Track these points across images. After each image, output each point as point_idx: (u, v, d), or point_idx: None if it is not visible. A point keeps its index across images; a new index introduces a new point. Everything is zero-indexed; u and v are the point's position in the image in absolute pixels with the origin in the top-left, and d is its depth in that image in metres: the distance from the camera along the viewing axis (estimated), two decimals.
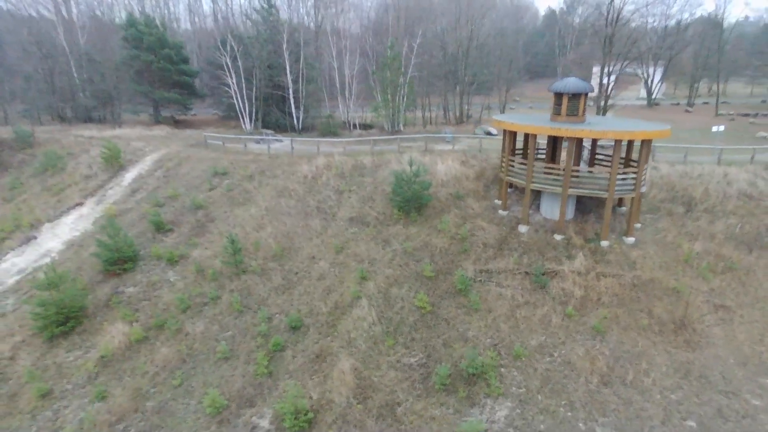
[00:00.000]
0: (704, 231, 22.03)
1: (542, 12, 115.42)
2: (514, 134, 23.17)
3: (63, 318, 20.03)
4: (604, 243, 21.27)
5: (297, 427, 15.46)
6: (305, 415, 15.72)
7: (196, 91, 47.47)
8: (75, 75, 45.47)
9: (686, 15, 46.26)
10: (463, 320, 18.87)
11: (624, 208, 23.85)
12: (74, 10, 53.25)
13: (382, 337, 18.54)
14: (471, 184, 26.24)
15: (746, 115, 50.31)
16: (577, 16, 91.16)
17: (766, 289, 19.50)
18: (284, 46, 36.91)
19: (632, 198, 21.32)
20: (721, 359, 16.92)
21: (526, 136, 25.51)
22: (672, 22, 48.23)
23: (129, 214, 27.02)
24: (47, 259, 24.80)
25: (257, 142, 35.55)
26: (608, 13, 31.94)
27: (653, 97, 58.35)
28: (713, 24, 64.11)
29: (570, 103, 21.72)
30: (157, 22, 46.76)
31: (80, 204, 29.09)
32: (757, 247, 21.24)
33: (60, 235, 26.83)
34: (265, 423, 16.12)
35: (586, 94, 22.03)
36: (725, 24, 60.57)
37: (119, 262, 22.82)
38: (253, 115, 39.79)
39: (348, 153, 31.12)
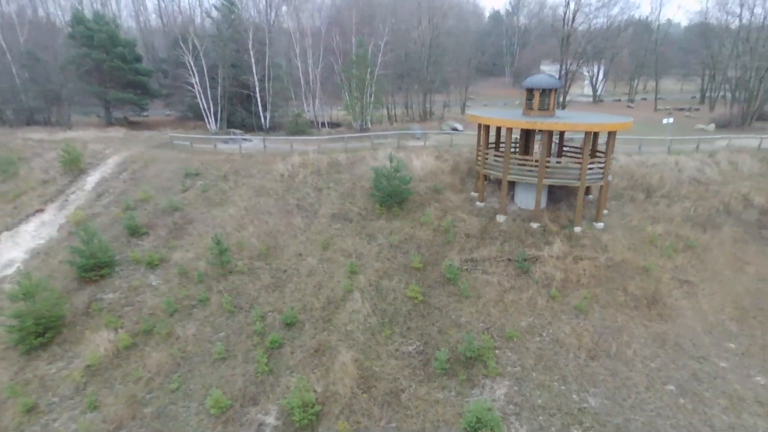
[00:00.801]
0: (664, 214, 24.00)
1: (487, 13, 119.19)
2: (488, 129, 24.19)
3: (41, 329, 19.04)
4: (577, 229, 22.70)
5: (306, 420, 15.62)
6: (312, 407, 15.90)
7: (151, 92, 45.69)
8: (16, 75, 42.60)
9: (625, 17, 49.53)
10: (454, 307, 19.62)
11: (591, 196, 25.52)
12: (11, 7, 49.80)
13: (379, 328, 18.96)
14: (447, 177, 27.11)
15: (681, 109, 54.52)
16: (522, 17, 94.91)
17: (722, 264, 21.58)
18: (249, 43, 36.33)
19: (600, 186, 22.89)
20: (691, 328, 18.63)
21: (499, 130, 26.70)
22: (614, 24, 51.53)
23: (98, 219, 25.85)
24: (10, 270, 23.38)
25: (226, 142, 34.86)
26: (565, 14, 33.86)
27: (597, 93, 62.05)
28: (644, 26, 69.03)
29: (542, 98, 22.99)
30: (107, 19, 44.58)
31: (40, 210, 27.48)
32: (710, 227, 23.42)
33: (21, 243, 25.28)
34: (271, 419, 16.15)
35: (556, 90, 23.41)
36: (655, 26, 65.41)
37: (95, 268, 21.88)
38: (218, 114, 38.87)
39: (322, 151, 31.20)
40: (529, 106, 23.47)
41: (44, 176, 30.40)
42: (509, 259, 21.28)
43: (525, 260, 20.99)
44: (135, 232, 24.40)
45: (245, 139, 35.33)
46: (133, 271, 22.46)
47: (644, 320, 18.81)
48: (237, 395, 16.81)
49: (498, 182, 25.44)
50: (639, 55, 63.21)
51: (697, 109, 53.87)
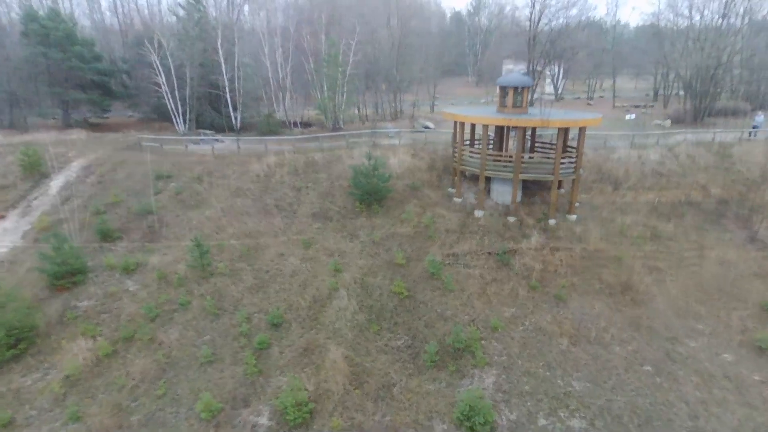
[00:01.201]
0: (631, 206, 25.22)
1: (449, 14, 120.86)
2: (463, 126, 24.74)
3: (13, 340, 18.18)
4: (552, 221, 23.56)
5: (300, 419, 15.62)
6: (306, 405, 15.91)
7: (113, 92, 44.00)
8: None
9: (583, 18, 51.37)
10: (439, 301, 20.00)
11: (563, 190, 26.49)
12: None
13: (367, 324, 19.12)
14: (424, 174, 27.53)
15: (637, 106, 57.09)
16: (483, 18, 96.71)
17: (687, 251, 22.88)
18: (218, 42, 35.58)
19: (572, 180, 23.83)
20: (662, 312, 19.69)
21: (473, 127, 27.30)
22: (572, 24, 53.45)
23: (66, 225, 24.81)
24: None
25: (197, 143, 34.08)
26: (531, 15, 34.98)
27: (558, 92, 64.15)
28: (599, 27, 71.96)
29: (516, 96, 23.71)
30: (63, 16, 42.64)
31: (1, 217, 26.13)
32: (673, 216, 24.78)
33: None
34: (264, 420, 16.04)
35: (528, 88, 24.18)
36: (611, 27, 68.31)
37: (67, 275, 21.05)
38: (187, 115, 37.86)
39: (297, 150, 31.02)
40: (503, 104, 24.14)
41: (2, 181, 28.89)
42: (489, 253, 21.86)
43: (505, 253, 21.61)
44: (108, 236, 23.61)
45: (217, 140, 34.64)
46: (108, 277, 21.73)
47: (620, 306, 19.76)
48: (227, 398, 16.60)
49: (474, 178, 26.01)
50: (596, 55, 65.79)
51: (652, 106, 56.53)
